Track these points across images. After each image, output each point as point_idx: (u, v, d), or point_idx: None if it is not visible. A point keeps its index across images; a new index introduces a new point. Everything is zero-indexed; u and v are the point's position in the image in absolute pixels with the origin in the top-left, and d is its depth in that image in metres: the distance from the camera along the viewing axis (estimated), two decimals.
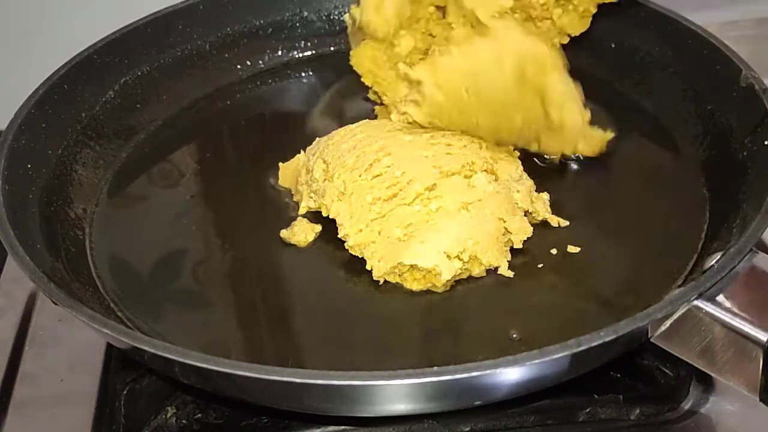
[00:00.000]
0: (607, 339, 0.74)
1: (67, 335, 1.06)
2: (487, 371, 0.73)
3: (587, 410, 0.94)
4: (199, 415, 0.96)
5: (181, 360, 0.76)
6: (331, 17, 1.38)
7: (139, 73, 1.25)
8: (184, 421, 0.95)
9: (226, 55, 1.34)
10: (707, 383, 0.95)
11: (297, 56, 1.37)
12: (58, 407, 0.99)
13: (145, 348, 0.77)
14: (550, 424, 0.93)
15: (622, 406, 0.94)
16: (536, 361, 0.72)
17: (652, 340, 0.82)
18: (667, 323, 0.80)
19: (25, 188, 1.01)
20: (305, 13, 1.37)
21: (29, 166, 1.04)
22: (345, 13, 1.38)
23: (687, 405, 0.94)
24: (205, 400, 0.96)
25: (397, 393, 0.78)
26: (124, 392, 0.98)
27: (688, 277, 0.93)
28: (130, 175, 1.16)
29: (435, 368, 0.73)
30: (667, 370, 0.97)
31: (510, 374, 0.74)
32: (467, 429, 0.93)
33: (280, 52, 1.36)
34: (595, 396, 0.94)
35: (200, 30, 1.31)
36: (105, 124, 1.19)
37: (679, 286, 0.89)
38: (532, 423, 0.93)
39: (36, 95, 1.09)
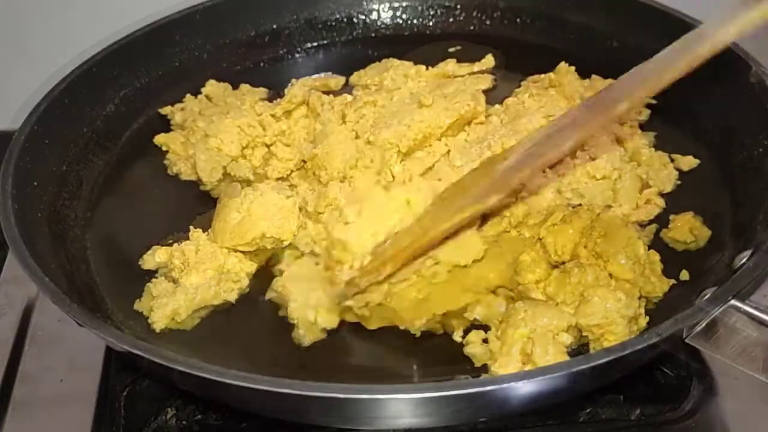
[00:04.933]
0: (651, 342, 0.74)
1: (67, 335, 1.04)
2: (531, 380, 0.73)
3: (588, 410, 0.94)
4: (199, 416, 0.95)
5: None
6: (329, 24, 1.38)
7: (138, 85, 1.24)
8: (184, 422, 0.95)
9: (224, 65, 1.32)
10: (708, 384, 0.95)
11: (295, 63, 1.36)
12: (58, 407, 0.97)
13: (180, 369, 0.76)
14: (550, 424, 0.93)
15: (623, 407, 0.94)
16: (583, 366, 0.72)
17: (686, 341, 0.81)
18: (702, 324, 0.80)
19: (34, 207, 1.00)
20: (302, 21, 1.37)
21: (35, 184, 1.02)
22: (342, 20, 1.38)
23: (688, 405, 0.94)
24: (205, 402, 0.95)
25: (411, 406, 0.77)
26: (124, 393, 0.98)
27: (711, 277, 0.93)
28: (130, 181, 1.15)
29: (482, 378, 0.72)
30: (667, 371, 0.97)
31: (559, 381, 0.74)
32: (467, 429, 0.92)
33: (278, 60, 1.35)
34: (596, 396, 0.94)
35: (198, 40, 1.30)
36: (106, 137, 1.18)
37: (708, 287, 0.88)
38: (533, 423, 0.93)
39: (38, 111, 1.07)
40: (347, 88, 1.28)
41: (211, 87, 1.26)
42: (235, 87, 1.27)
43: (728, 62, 1.09)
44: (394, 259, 0.92)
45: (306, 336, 0.93)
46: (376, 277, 0.92)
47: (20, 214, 0.95)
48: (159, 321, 0.94)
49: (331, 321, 0.93)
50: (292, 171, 1.11)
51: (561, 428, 0.93)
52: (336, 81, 1.29)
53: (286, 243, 1.01)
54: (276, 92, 1.26)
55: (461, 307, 0.93)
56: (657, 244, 1.00)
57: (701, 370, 0.96)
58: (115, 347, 0.82)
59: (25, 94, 1.09)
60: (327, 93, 1.21)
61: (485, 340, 0.90)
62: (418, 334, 0.93)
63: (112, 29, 1.23)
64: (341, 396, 0.73)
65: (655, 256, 0.95)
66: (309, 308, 0.93)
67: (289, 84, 1.22)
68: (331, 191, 1.02)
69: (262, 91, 1.27)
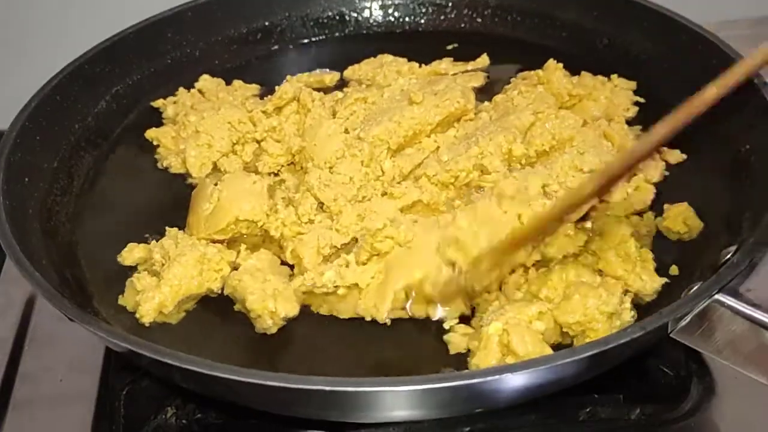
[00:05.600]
0: (635, 335, 0.74)
1: (66, 335, 1.04)
2: (517, 372, 0.73)
3: (588, 410, 0.94)
4: (199, 415, 0.95)
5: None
6: (321, 21, 1.38)
7: (130, 82, 1.24)
8: (184, 421, 0.95)
9: (216, 62, 1.33)
10: (708, 383, 0.95)
11: (287, 60, 1.36)
12: (57, 407, 0.98)
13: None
14: (550, 423, 0.93)
15: (623, 406, 0.94)
16: (568, 359, 0.73)
17: (672, 335, 0.82)
18: (687, 318, 0.80)
19: (25, 203, 1.00)
20: (294, 18, 1.37)
21: (27, 180, 1.03)
22: (334, 17, 1.38)
23: (687, 405, 0.94)
24: (204, 400, 0.95)
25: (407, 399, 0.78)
26: (124, 392, 0.98)
27: (697, 272, 0.94)
28: (121, 177, 1.15)
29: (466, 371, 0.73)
30: (667, 371, 0.97)
31: (539, 375, 0.75)
32: (467, 429, 0.92)
33: (270, 57, 1.36)
34: (596, 396, 0.94)
35: (190, 37, 1.30)
36: (97, 134, 1.18)
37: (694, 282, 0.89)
38: (533, 422, 0.93)
39: (29, 107, 1.08)
40: (342, 83, 1.28)
41: (205, 82, 1.27)
42: (227, 83, 1.28)
43: (717, 59, 1.10)
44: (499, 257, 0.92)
45: (270, 326, 0.93)
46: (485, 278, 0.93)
47: (11, 210, 0.95)
48: (147, 315, 0.94)
49: (291, 309, 0.93)
50: (282, 166, 1.12)
51: (561, 428, 0.93)
52: (331, 77, 1.30)
53: (260, 225, 1.01)
54: (268, 89, 1.26)
55: (417, 280, 0.93)
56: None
57: (701, 370, 0.96)
58: (108, 343, 0.83)
59: (24, 94, 1.09)
60: (322, 89, 1.21)
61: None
62: (389, 323, 0.93)
63: (112, 31, 1.23)
64: (329, 389, 0.74)
65: (648, 255, 0.95)
66: (267, 298, 0.92)
67: (284, 80, 1.23)
68: (312, 176, 1.03)
69: (255, 88, 1.28)
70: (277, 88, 1.20)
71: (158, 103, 1.24)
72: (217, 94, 1.25)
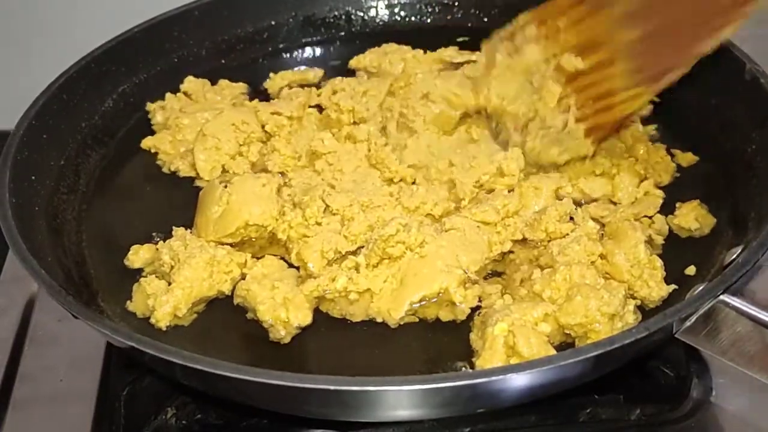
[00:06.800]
0: (639, 336, 0.74)
1: (66, 335, 1.05)
2: (522, 372, 0.73)
3: (588, 410, 0.94)
4: (200, 415, 0.95)
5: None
6: (327, 21, 1.38)
7: (137, 81, 1.25)
8: (184, 422, 0.95)
9: (223, 61, 1.33)
10: (707, 383, 0.96)
11: (294, 59, 1.36)
12: (57, 407, 0.98)
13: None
14: (550, 424, 0.94)
15: (623, 407, 0.95)
16: (572, 360, 0.72)
17: (676, 335, 0.82)
18: (692, 318, 0.80)
19: (31, 200, 1.01)
20: (300, 18, 1.37)
21: (33, 178, 1.03)
22: (340, 17, 1.38)
23: (688, 405, 0.94)
24: (204, 401, 0.96)
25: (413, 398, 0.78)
26: (124, 393, 0.98)
27: (704, 272, 0.94)
28: (127, 176, 1.16)
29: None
30: (667, 371, 0.97)
31: (543, 375, 0.75)
32: (467, 430, 0.93)
33: (276, 57, 1.36)
34: (596, 396, 0.94)
35: (196, 36, 1.30)
36: (104, 133, 1.19)
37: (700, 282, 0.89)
38: (533, 423, 0.93)
39: (36, 105, 1.08)
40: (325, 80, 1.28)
41: (189, 84, 1.26)
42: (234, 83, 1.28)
43: (724, 59, 1.09)
44: None
45: (283, 336, 0.92)
46: None
47: (18, 207, 0.95)
48: (163, 319, 0.93)
49: (304, 318, 0.92)
50: (289, 167, 1.12)
51: (561, 428, 0.94)
52: (314, 73, 1.31)
53: (269, 229, 1.01)
54: (254, 88, 1.27)
55: (435, 292, 0.93)
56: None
57: (701, 370, 0.96)
58: (112, 340, 0.83)
59: (31, 93, 1.09)
60: (306, 86, 1.25)
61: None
62: (396, 326, 0.93)
63: (119, 30, 1.24)
64: (333, 388, 0.74)
65: (657, 262, 0.94)
66: (278, 307, 0.92)
67: (268, 78, 1.27)
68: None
69: (242, 86, 1.28)
70: (265, 85, 1.26)
71: (150, 107, 1.24)
72: (204, 95, 1.25)
